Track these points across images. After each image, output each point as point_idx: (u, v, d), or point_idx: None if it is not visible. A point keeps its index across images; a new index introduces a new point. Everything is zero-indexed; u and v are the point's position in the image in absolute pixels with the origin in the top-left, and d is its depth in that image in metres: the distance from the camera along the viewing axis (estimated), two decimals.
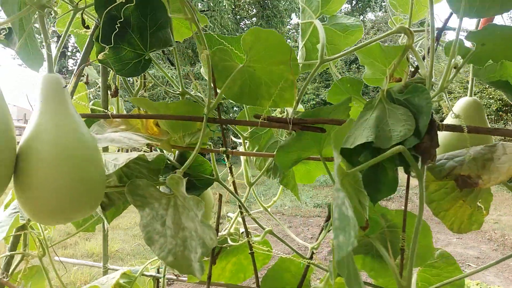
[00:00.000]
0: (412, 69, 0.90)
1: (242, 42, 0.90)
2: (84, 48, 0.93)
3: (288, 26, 25.51)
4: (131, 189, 0.76)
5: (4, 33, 0.72)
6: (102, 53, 0.86)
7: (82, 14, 0.86)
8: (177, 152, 1.05)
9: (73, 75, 0.92)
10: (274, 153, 1.01)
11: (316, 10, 1.02)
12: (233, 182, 1.00)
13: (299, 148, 0.90)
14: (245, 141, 1.05)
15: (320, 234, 0.97)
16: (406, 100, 0.78)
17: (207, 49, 0.85)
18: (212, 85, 0.94)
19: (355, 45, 1.06)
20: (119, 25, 0.88)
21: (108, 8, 0.83)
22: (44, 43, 0.72)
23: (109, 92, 0.99)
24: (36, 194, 0.63)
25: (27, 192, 0.63)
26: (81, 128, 0.68)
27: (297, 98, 0.92)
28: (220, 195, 0.98)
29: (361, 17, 30.26)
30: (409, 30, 0.84)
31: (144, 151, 0.98)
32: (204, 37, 0.85)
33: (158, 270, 1.21)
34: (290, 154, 0.91)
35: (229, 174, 1.01)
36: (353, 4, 31.49)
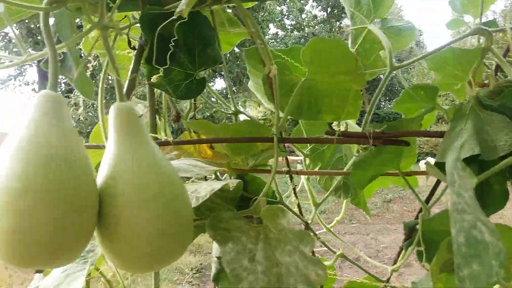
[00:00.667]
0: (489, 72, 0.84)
1: (302, 54, 0.83)
2: (130, 70, 0.85)
3: (267, 36, 25.75)
4: (213, 223, 0.68)
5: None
6: (156, 76, 0.77)
7: (128, 34, 0.78)
8: (232, 177, 0.97)
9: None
10: (344, 170, 0.94)
11: (368, 14, 0.96)
12: (298, 204, 0.92)
13: (377, 163, 0.83)
14: (306, 158, 0.98)
15: (399, 255, 0.90)
16: (502, 106, 0.72)
17: (273, 64, 0.77)
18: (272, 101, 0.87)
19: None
20: (167, 44, 0.80)
21: (161, 26, 0.75)
22: (105, 68, 0.64)
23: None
24: (123, 242, 0.54)
25: (113, 240, 0.54)
26: (162, 162, 0.59)
27: (368, 109, 0.85)
28: None
29: (338, 23, 30.66)
30: (488, 30, 0.78)
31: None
32: (269, 52, 0.78)
33: None
34: (367, 171, 0.84)
35: (293, 195, 0.94)
36: (328, 11, 31.88)
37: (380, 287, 0.95)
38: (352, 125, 0.96)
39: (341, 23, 31.04)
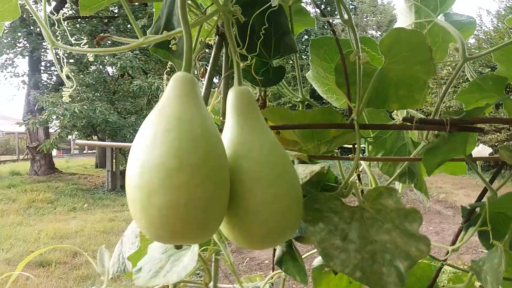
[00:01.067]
0: None
1: (380, 43, 0.86)
2: (212, 59, 0.86)
3: None
4: (308, 203, 0.71)
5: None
6: (243, 63, 0.79)
7: (217, 21, 0.79)
8: (297, 161, 1.00)
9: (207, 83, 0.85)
10: (411, 156, 0.97)
11: (434, 8, 0.99)
12: (362, 191, 0.95)
13: (446, 150, 0.87)
14: (369, 146, 1.01)
15: (458, 235, 0.94)
16: None
17: (360, 53, 0.80)
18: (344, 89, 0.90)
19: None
20: (246, 32, 0.82)
21: (258, 11, 0.77)
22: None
23: None
24: (253, 218, 0.56)
25: (241, 217, 0.57)
26: (278, 143, 0.62)
27: (440, 98, 0.88)
28: None
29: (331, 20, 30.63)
30: None
31: None
32: (358, 40, 0.81)
33: (272, 284, 1.15)
34: (437, 156, 0.87)
35: (357, 181, 0.97)
36: (322, 8, 31.84)
37: (438, 266, 0.98)
38: (414, 113, 1.00)
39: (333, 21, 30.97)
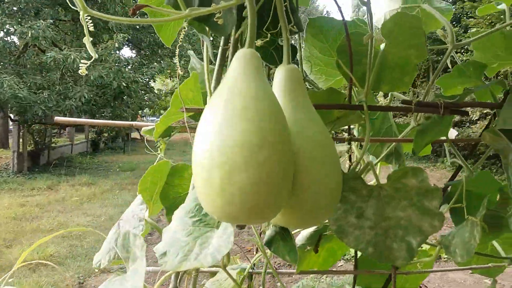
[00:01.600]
0: None
1: (383, 26, 0.89)
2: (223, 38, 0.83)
3: None
4: None
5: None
6: (260, 40, 0.77)
7: None
8: None
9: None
10: (399, 138, 1.03)
11: None
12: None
13: (435, 131, 0.94)
14: (359, 127, 1.05)
15: None
16: None
17: (374, 35, 0.82)
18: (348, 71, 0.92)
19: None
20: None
21: None
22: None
23: None
24: (306, 196, 0.56)
25: (297, 194, 0.56)
26: (322, 122, 0.62)
27: (430, 82, 0.95)
28: None
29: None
30: None
31: None
32: (373, 22, 0.83)
33: (254, 265, 1.15)
34: (426, 137, 0.94)
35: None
36: None
37: None
38: (399, 96, 1.05)
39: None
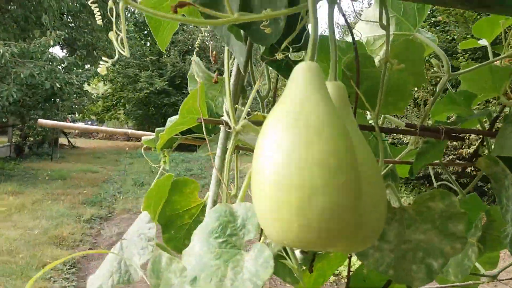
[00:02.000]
0: None
1: (390, 50, 0.92)
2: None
3: None
4: None
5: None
6: (279, 54, 0.76)
7: None
8: None
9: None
10: (396, 159, 1.06)
11: (414, 23, 1.10)
12: None
13: (433, 154, 0.98)
14: None
15: None
16: None
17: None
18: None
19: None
20: None
21: None
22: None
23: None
24: (364, 219, 0.56)
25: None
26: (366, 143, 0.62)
27: (427, 108, 0.99)
28: None
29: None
30: None
31: None
32: (389, 47, 0.85)
33: None
34: (424, 160, 0.98)
35: None
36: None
37: None
38: (392, 119, 1.09)
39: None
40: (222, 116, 0.95)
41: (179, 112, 0.80)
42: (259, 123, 0.74)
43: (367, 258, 0.77)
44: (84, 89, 15.89)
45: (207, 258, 0.64)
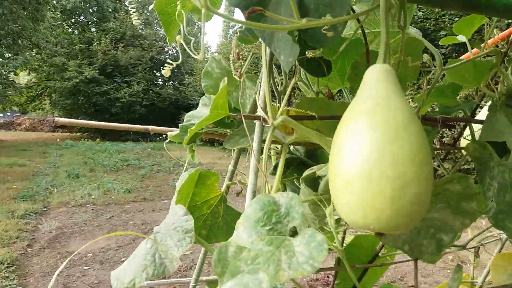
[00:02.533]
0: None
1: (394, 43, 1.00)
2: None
3: None
4: None
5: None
6: (311, 52, 0.80)
7: None
8: (305, 149, 1.06)
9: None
10: None
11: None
12: None
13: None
14: None
15: None
16: None
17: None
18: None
19: None
20: None
21: None
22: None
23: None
24: None
25: None
26: None
27: (424, 99, 1.08)
28: None
29: None
30: (500, 51, 1.13)
31: None
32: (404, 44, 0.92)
33: None
34: None
35: None
36: None
37: None
38: None
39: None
40: (238, 110, 0.98)
41: (210, 109, 0.82)
42: (295, 118, 0.79)
43: (386, 236, 0.85)
44: (10, 79, 14.84)
45: (260, 245, 0.68)
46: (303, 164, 1.03)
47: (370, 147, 0.51)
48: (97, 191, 8.72)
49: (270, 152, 1.10)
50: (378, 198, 0.50)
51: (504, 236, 1.49)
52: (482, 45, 1.23)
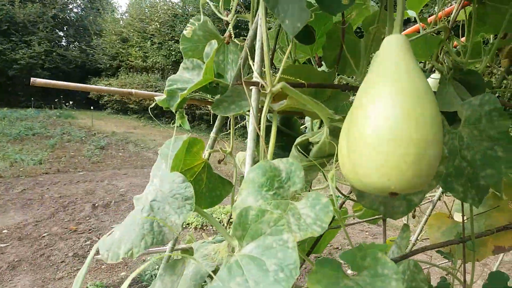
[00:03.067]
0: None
1: (366, 19, 1.06)
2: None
3: None
4: None
5: None
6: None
7: None
8: (281, 116, 1.09)
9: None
10: None
11: None
12: None
13: None
14: None
15: None
16: (463, 79, 1.21)
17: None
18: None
19: None
20: None
21: None
22: None
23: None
24: None
25: None
26: None
27: None
28: None
29: None
30: (448, 27, 1.25)
31: None
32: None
33: None
34: None
35: None
36: None
37: (342, 200, 1.31)
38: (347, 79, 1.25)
39: None
40: (221, 76, 0.97)
41: (203, 74, 0.80)
42: (292, 85, 0.80)
43: (364, 199, 0.93)
44: None
45: (268, 208, 0.71)
46: (280, 132, 1.06)
47: (397, 111, 0.55)
48: (2, 162, 7.91)
49: (246, 119, 1.11)
50: (404, 159, 0.54)
51: (436, 197, 1.69)
52: (430, 19, 1.34)
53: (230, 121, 0.98)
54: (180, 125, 0.83)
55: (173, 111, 0.84)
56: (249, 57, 0.81)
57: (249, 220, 0.63)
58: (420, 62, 1.33)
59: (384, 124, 0.56)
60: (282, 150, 1.07)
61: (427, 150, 0.55)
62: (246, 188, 0.74)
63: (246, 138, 0.83)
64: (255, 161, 0.80)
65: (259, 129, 0.77)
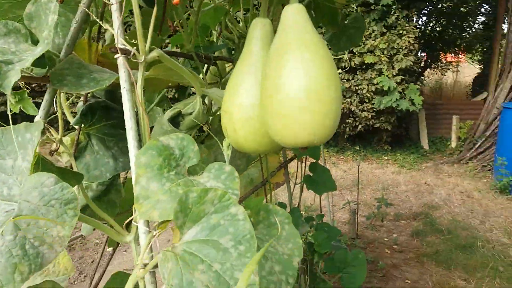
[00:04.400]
0: None
1: None
2: None
3: None
4: None
5: None
6: None
7: None
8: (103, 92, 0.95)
9: None
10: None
11: None
12: None
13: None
14: None
15: None
16: None
17: None
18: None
19: None
20: None
21: None
22: None
23: None
24: None
25: None
26: None
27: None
28: None
29: None
30: None
31: None
32: None
33: None
34: None
35: None
36: None
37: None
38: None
39: None
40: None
41: (23, 40, 0.61)
42: (168, 54, 0.73)
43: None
44: None
45: (176, 191, 0.64)
46: (107, 108, 0.93)
47: (320, 75, 0.61)
48: None
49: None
50: (328, 116, 0.62)
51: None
52: None
53: (57, 99, 0.79)
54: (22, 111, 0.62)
55: (7, 93, 0.61)
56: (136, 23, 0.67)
57: (189, 204, 0.56)
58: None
59: (307, 88, 0.61)
60: (114, 128, 0.94)
61: (339, 106, 0.64)
62: (143, 174, 0.64)
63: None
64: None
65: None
